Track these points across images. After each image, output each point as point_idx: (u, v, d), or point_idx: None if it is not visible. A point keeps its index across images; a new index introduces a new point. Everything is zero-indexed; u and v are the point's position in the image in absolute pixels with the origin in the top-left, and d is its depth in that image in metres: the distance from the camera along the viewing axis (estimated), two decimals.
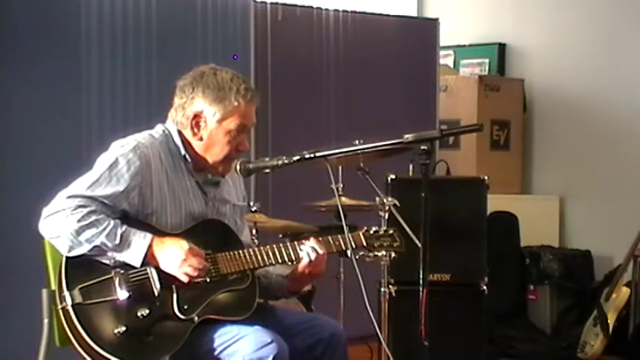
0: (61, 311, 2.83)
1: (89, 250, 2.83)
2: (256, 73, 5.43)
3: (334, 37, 5.90)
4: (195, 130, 3.03)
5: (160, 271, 2.87)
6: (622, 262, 5.70)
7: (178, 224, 2.99)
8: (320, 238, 3.13)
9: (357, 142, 3.35)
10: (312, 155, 3.11)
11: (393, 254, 3.88)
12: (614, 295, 5.63)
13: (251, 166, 3.14)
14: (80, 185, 2.88)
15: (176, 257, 2.85)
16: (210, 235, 3.02)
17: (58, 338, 2.93)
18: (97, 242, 2.81)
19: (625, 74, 6.50)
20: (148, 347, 2.83)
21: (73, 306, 2.79)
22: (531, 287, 6.22)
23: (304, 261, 3.08)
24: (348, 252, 3.14)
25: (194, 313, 2.89)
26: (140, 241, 2.85)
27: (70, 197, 2.84)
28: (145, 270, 2.86)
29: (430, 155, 3.02)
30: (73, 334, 2.81)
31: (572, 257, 6.36)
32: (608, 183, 6.55)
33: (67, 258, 2.85)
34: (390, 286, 4.53)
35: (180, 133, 3.05)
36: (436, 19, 6.51)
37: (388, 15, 6.36)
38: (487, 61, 7.19)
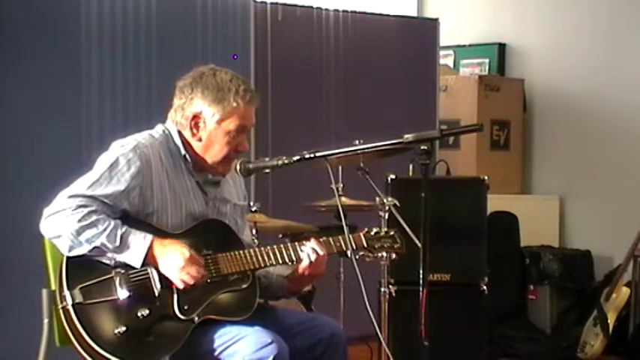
0: (61, 311, 2.83)
1: (89, 251, 2.83)
2: (256, 73, 5.43)
3: (334, 37, 5.90)
4: (195, 130, 3.03)
5: (160, 272, 2.87)
6: (622, 262, 5.70)
7: (179, 224, 2.99)
8: (321, 239, 3.13)
9: (357, 142, 3.35)
10: (312, 155, 3.10)
11: (393, 255, 3.87)
12: (614, 295, 5.63)
13: (251, 166, 3.14)
14: (81, 185, 2.88)
15: (176, 263, 2.85)
16: (210, 235, 3.03)
17: (58, 338, 2.93)
18: (97, 243, 2.81)
19: (625, 74, 6.50)
20: (148, 347, 2.83)
21: (73, 305, 2.80)
22: (531, 287, 6.22)
23: (305, 262, 3.08)
24: (349, 252, 3.14)
25: (194, 314, 2.89)
26: (140, 242, 2.85)
27: (70, 197, 2.84)
28: (146, 270, 2.86)
29: (430, 155, 3.02)
30: (73, 334, 2.81)
31: (572, 257, 6.36)
32: (608, 183, 6.55)
33: (68, 258, 2.86)
34: (390, 286, 4.53)
35: (180, 133, 3.05)
36: (436, 19, 6.51)
37: (388, 15, 6.36)
38: (487, 61, 7.19)
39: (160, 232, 2.92)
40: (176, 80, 3.07)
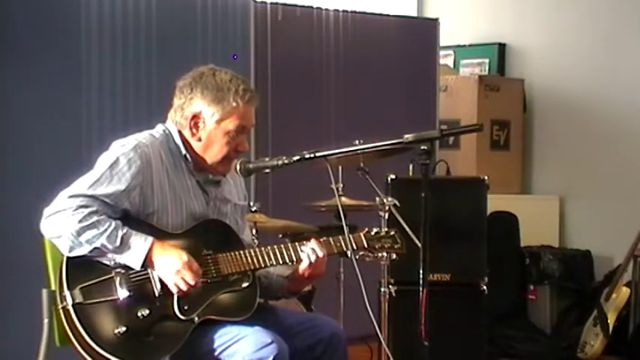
0: (61, 311, 2.83)
1: (90, 252, 2.83)
2: (256, 73, 5.43)
3: (334, 37, 5.90)
4: (194, 130, 3.03)
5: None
6: (622, 262, 5.70)
7: (179, 224, 2.99)
8: (321, 239, 3.13)
9: (357, 142, 3.35)
10: (312, 155, 3.10)
11: (393, 255, 3.87)
12: (614, 295, 5.63)
13: (251, 166, 3.13)
14: (81, 185, 2.88)
15: (171, 266, 2.85)
16: (211, 235, 3.03)
17: (58, 338, 2.93)
18: (98, 244, 2.81)
19: (625, 74, 6.50)
20: (148, 347, 2.83)
21: (73, 305, 2.80)
22: (531, 287, 6.22)
23: (305, 262, 3.08)
24: (349, 252, 3.14)
25: (194, 314, 2.89)
26: (141, 243, 2.85)
27: (71, 197, 2.84)
28: (146, 270, 2.86)
29: (430, 155, 3.02)
30: (73, 334, 2.81)
31: (572, 257, 6.36)
32: (608, 183, 6.55)
33: (68, 258, 2.85)
34: (390, 286, 4.53)
35: (180, 132, 3.05)
36: (436, 19, 6.51)
37: (388, 15, 6.36)
38: (487, 61, 7.19)
39: (160, 233, 2.92)
40: (176, 80, 3.08)
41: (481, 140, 6.64)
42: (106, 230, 2.82)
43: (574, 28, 6.78)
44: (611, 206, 6.49)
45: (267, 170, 3.16)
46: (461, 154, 6.60)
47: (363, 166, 4.06)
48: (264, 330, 2.87)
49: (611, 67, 6.58)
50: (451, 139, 6.55)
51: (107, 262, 2.86)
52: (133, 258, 2.84)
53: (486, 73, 7.11)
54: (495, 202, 5.47)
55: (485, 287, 4.71)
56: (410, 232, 3.66)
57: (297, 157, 3.10)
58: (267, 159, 3.17)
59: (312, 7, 5.88)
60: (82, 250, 2.82)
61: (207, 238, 3.01)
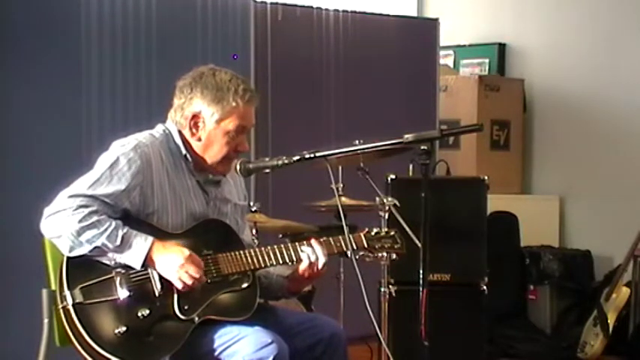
0: (61, 310, 2.83)
1: (90, 251, 2.83)
2: (256, 73, 5.43)
3: (334, 37, 5.90)
4: (194, 130, 3.03)
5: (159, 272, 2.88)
6: (622, 262, 5.70)
7: (179, 224, 2.99)
8: (321, 239, 3.13)
9: (357, 142, 3.34)
10: (312, 155, 3.10)
11: (393, 255, 3.87)
12: (614, 295, 5.63)
13: (251, 166, 3.13)
14: (81, 184, 2.88)
15: (174, 262, 2.85)
16: (211, 235, 3.03)
17: (58, 338, 2.93)
18: (98, 243, 2.81)
19: (625, 74, 6.50)
20: (148, 347, 2.83)
21: (73, 305, 2.80)
22: (531, 287, 6.22)
23: (305, 262, 3.08)
24: (349, 252, 3.14)
25: (194, 314, 2.89)
26: (141, 243, 2.85)
27: (71, 197, 2.84)
28: (146, 270, 2.86)
29: (430, 155, 3.02)
30: (73, 334, 2.81)
31: (572, 257, 6.36)
32: (608, 183, 6.55)
33: (68, 258, 2.85)
34: (390, 286, 4.53)
35: (180, 132, 3.05)
36: (436, 19, 6.51)
37: (388, 15, 6.36)
38: (487, 61, 7.19)
39: (160, 232, 2.92)
40: (176, 80, 3.08)
41: (481, 140, 6.64)
42: (106, 230, 2.82)
43: (574, 28, 6.78)
44: (611, 206, 6.49)
45: (267, 170, 3.16)
46: (461, 154, 6.60)
47: (363, 166, 4.06)
48: (264, 330, 2.87)
49: (611, 67, 6.58)
50: (451, 139, 6.55)
51: (107, 262, 2.86)
52: (134, 257, 2.84)
53: (486, 73, 7.11)
54: (495, 202, 5.47)
55: (485, 287, 4.71)
56: (410, 232, 3.66)
57: (297, 157, 3.09)
58: (267, 159, 3.17)
59: (312, 7, 5.88)
60: (83, 250, 2.82)
61: (207, 238, 3.00)
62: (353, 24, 5.97)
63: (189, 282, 2.86)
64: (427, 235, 3.00)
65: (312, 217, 4.51)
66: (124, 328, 2.79)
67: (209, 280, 2.94)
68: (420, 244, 3.03)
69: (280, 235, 4.37)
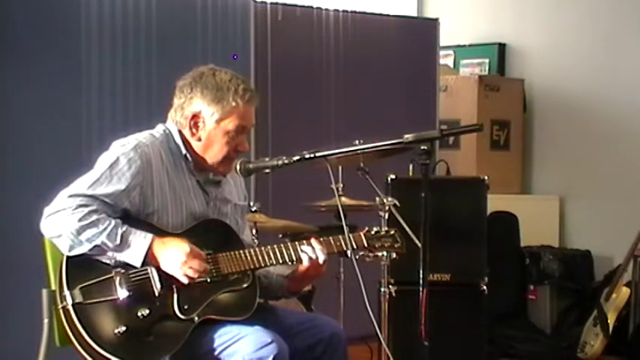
0: (61, 310, 2.83)
1: (90, 250, 2.83)
2: (256, 73, 5.43)
3: (334, 37, 5.90)
4: (194, 130, 3.03)
5: (160, 271, 2.87)
6: (622, 262, 5.70)
7: (179, 224, 2.99)
8: (321, 239, 3.13)
9: (357, 142, 3.34)
10: (312, 155, 3.10)
11: (393, 255, 3.87)
12: (614, 295, 5.63)
13: (251, 166, 3.13)
14: (81, 184, 2.88)
15: (177, 258, 2.85)
16: (211, 234, 3.02)
17: (58, 338, 2.93)
18: (98, 242, 2.81)
19: (625, 74, 6.50)
20: (148, 347, 2.83)
21: (73, 305, 2.80)
22: (531, 287, 6.22)
23: (305, 262, 3.08)
24: (349, 252, 3.14)
25: (194, 313, 2.89)
26: (141, 240, 2.85)
27: (71, 196, 2.84)
28: (146, 270, 2.86)
29: (430, 155, 3.02)
30: (73, 334, 2.81)
31: (572, 257, 6.36)
32: (608, 183, 6.55)
33: (68, 257, 2.86)
34: (390, 286, 4.53)
35: (180, 132, 3.06)
36: (436, 19, 6.51)
37: (388, 15, 6.36)
38: (487, 61, 7.19)
39: (160, 232, 2.92)
40: (176, 80, 3.08)
41: (481, 140, 6.64)
42: (105, 229, 2.82)
43: (574, 28, 6.78)
44: (611, 206, 6.49)
45: (267, 170, 3.16)
46: (461, 154, 6.60)
47: (363, 166, 4.06)
48: (264, 330, 2.87)
49: (611, 67, 6.58)
50: (451, 139, 6.55)
51: (107, 261, 2.86)
52: (134, 255, 2.84)
53: (486, 73, 7.11)
54: (495, 202, 5.47)
55: (485, 287, 4.71)
56: (410, 232, 3.66)
57: (297, 157, 3.09)
58: (267, 159, 3.17)
59: (312, 7, 5.88)
60: (82, 249, 2.82)
61: (207, 238, 3.00)
62: (353, 24, 5.97)
63: (194, 276, 2.86)
64: (427, 235, 3.00)
65: (312, 217, 4.51)
66: (124, 328, 2.79)
67: (209, 280, 2.94)
68: (420, 244, 3.03)
69: (280, 235, 4.37)
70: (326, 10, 5.89)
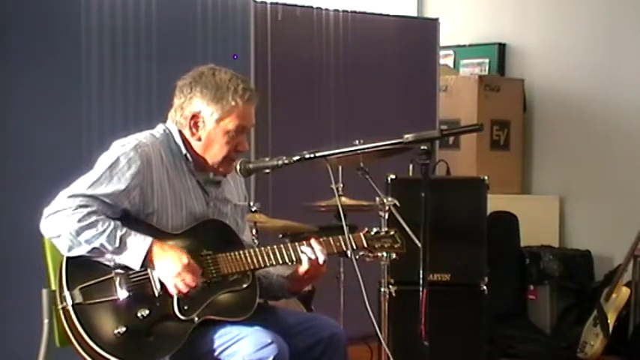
0: (61, 311, 2.82)
1: (88, 252, 2.82)
2: (256, 73, 5.42)
3: (334, 37, 5.90)
4: (194, 130, 3.03)
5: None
6: (622, 262, 5.70)
7: (179, 224, 2.99)
8: (321, 239, 3.13)
9: (357, 142, 3.34)
10: (312, 155, 3.10)
11: (393, 255, 3.87)
12: (614, 295, 5.63)
13: (251, 166, 3.13)
14: (81, 184, 2.88)
15: (172, 268, 2.85)
16: (210, 235, 3.02)
17: (58, 338, 2.93)
18: (97, 244, 2.81)
19: (625, 74, 6.50)
20: (148, 348, 2.83)
21: (73, 306, 2.79)
22: (531, 287, 6.22)
23: (305, 262, 3.08)
24: (349, 252, 3.13)
25: (194, 314, 2.89)
26: (140, 243, 2.84)
27: (71, 197, 2.84)
28: (146, 270, 2.86)
29: (430, 155, 3.02)
30: (73, 334, 2.80)
31: (572, 257, 6.36)
32: (608, 183, 6.55)
33: (68, 258, 2.85)
34: (390, 286, 4.53)
35: (180, 132, 3.05)
36: (436, 19, 6.51)
37: (388, 15, 6.36)
38: (487, 61, 7.19)
39: (160, 233, 2.92)
40: (176, 80, 3.08)
41: (481, 140, 6.64)
42: (105, 230, 2.82)
43: (574, 28, 6.78)
44: (611, 206, 6.49)
45: (267, 170, 3.16)
46: (461, 154, 6.60)
47: (363, 166, 4.06)
48: (264, 330, 2.87)
49: (611, 67, 6.58)
50: (451, 139, 6.55)
51: (107, 263, 2.86)
52: (132, 258, 2.84)
53: (486, 73, 7.11)
54: (495, 202, 5.47)
55: (485, 287, 4.71)
56: (410, 232, 3.66)
57: (297, 157, 3.09)
58: (267, 159, 3.17)
59: (312, 7, 5.88)
60: (81, 250, 2.82)
61: (206, 238, 3.00)
62: (353, 24, 5.97)
63: (184, 290, 2.86)
64: (427, 235, 3.00)
65: (312, 217, 4.51)
66: (124, 329, 2.79)
67: (209, 281, 2.94)
68: (420, 244, 3.03)
69: (280, 235, 4.37)
70: (326, 10, 5.88)
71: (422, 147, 3.01)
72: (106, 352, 2.76)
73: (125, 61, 4.91)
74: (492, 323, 5.35)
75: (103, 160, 2.93)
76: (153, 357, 2.85)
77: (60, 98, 4.68)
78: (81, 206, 2.82)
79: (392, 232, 3.33)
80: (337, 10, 5.93)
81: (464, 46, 7.30)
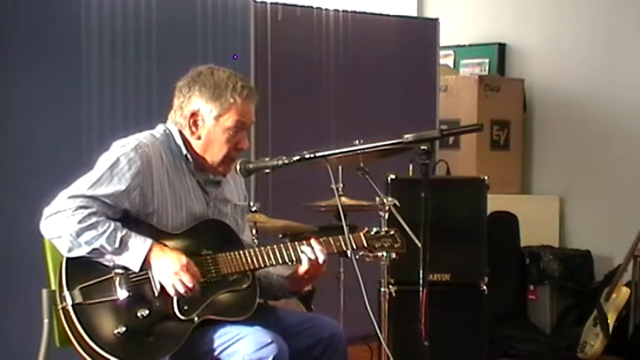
0: (61, 311, 2.82)
1: (88, 253, 2.82)
2: (256, 73, 5.42)
3: (334, 37, 5.90)
4: (194, 128, 3.03)
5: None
6: (622, 262, 5.70)
7: (179, 224, 2.99)
8: (321, 239, 3.13)
9: (357, 142, 3.34)
10: (312, 155, 3.10)
11: (393, 255, 3.87)
12: (614, 295, 5.63)
13: (251, 166, 3.13)
14: (81, 185, 2.88)
15: (170, 268, 2.85)
16: (210, 235, 3.02)
17: (58, 338, 2.93)
18: (97, 245, 2.81)
19: (625, 74, 6.50)
20: (148, 347, 2.83)
21: (73, 306, 2.79)
22: (531, 287, 6.22)
23: (304, 262, 3.08)
24: (349, 252, 3.13)
25: (194, 314, 2.89)
26: (140, 245, 2.84)
27: (71, 197, 2.84)
28: (146, 270, 2.86)
29: (430, 155, 3.02)
30: (73, 334, 2.80)
31: (572, 257, 6.36)
32: (608, 183, 6.55)
33: (68, 258, 2.85)
34: (390, 286, 4.53)
35: (181, 132, 3.05)
36: (436, 19, 6.51)
37: (388, 15, 6.36)
38: (487, 61, 7.19)
39: (160, 233, 2.92)
40: (176, 80, 3.08)
41: (481, 140, 6.64)
42: (105, 231, 2.82)
43: (574, 28, 6.78)
44: (611, 206, 6.49)
45: (267, 170, 3.16)
46: (461, 154, 6.60)
47: (363, 166, 4.06)
48: (264, 330, 2.87)
49: (611, 67, 6.58)
50: (451, 139, 6.55)
51: (107, 263, 2.86)
52: (132, 260, 2.84)
53: (486, 73, 7.11)
54: (495, 202, 5.47)
55: (485, 287, 4.71)
56: (410, 232, 3.66)
57: (297, 157, 3.09)
58: (267, 159, 3.17)
59: (312, 7, 5.88)
60: (81, 251, 2.82)
61: (206, 238, 3.00)
62: (353, 24, 5.97)
63: (182, 290, 2.85)
64: (427, 235, 3.00)
65: (312, 217, 4.51)
66: (124, 329, 2.79)
67: (208, 280, 2.94)
68: (420, 244, 3.03)
69: (280, 235, 4.37)
70: (326, 10, 5.89)
71: (422, 147, 3.01)
72: (106, 352, 2.76)
73: (125, 61, 4.91)
74: (492, 323, 5.35)
75: (103, 161, 2.92)
76: (153, 357, 2.85)
77: (60, 98, 4.68)
78: (81, 207, 2.82)
79: (392, 232, 3.33)
80: (337, 10, 5.93)
81: (464, 46, 7.30)
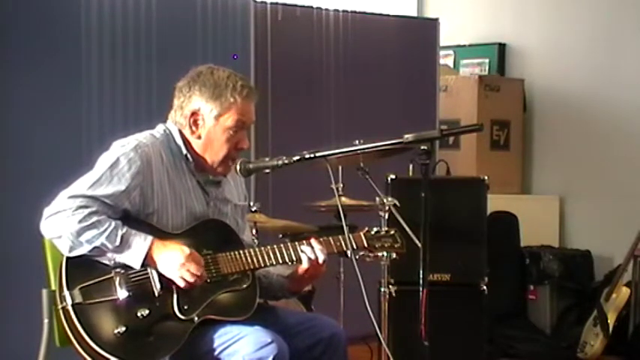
0: (61, 311, 2.83)
1: (89, 251, 2.83)
2: (256, 73, 5.42)
3: (334, 37, 5.90)
4: (194, 128, 3.03)
5: (160, 272, 2.87)
6: (622, 262, 5.70)
7: (179, 224, 2.99)
8: (321, 239, 3.13)
9: (357, 142, 3.35)
10: (312, 155, 3.10)
11: (393, 255, 3.87)
12: (614, 295, 5.63)
13: (251, 166, 3.13)
14: (81, 185, 2.88)
15: (175, 261, 2.85)
16: (210, 234, 3.03)
17: (58, 338, 2.93)
18: (98, 243, 2.81)
19: (625, 74, 6.50)
20: (148, 347, 2.83)
21: (73, 306, 2.79)
22: (531, 287, 6.22)
23: (304, 262, 3.08)
24: (349, 252, 3.14)
25: (194, 314, 2.89)
26: (141, 242, 2.85)
27: (71, 197, 2.84)
28: (146, 270, 2.86)
29: (430, 155, 3.02)
30: (73, 334, 2.80)
31: (572, 257, 6.36)
32: (608, 183, 6.55)
33: (68, 258, 2.85)
34: (390, 286, 4.53)
35: (181, 132, 3.05)
36: (436, 19, 6.51)
37: (388, 15, 6.36)
38: (487, 61, 7.19)
39: (160, 232, 2.92)
40: (176, 80, 3.08)
41: (481, 140, 6.64)
42: (105, 230, 2.82)
43: (574, 28, 6.78)
44: (611, 206, 6.49)
45: (267, 170, 3.16)
46: (461, 154, 6.60)
47: (363, 166, 4.06)
48: (264, 330, 2.87)
49: (611, 67, 6.58)
50: (451, 139, 6.55)
51: (107, 262, 2.86)
52: (133, 257, 2.84)
53: (486, 73, 7.11)
54: (495, 202, 5.47)
55: (485, 287, 4.71)
56: (410, 232, 3.66)
57: (297, 157, 3.10)
58: (267, 159, 3.17)
59: (312, 7, 5.88)
60: (82, 250, 2.82)
61: (206, 238, 3.01)
62: (353, 24, 5.97)
63: (191, 280, 2.86)
64: (427, 235, 3.00)
65: (312, 217, 4.51)
66: (124, 328, 2.79)
67: (209, 280, 2.94)
68: (420, 244, 3.03)
69: (280, 235, 4.37)
70: (326, 10, 5.89)
71: (422, 147, 3.01)
72: (106, 351, 2.76)
73: (125, 61, 4.91)
74: (492, 323, 5.35)
75: (103, 161, 2.93)
76: (153, 357, 2.85)
77: (60, 98, 4.68)
78: (81, 207, 2.82)
79: (392, 232, 3.33)
80: (337, 10, 5.93)
81: (464, 46, 7.30)
